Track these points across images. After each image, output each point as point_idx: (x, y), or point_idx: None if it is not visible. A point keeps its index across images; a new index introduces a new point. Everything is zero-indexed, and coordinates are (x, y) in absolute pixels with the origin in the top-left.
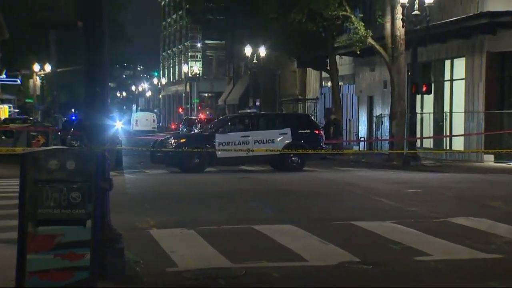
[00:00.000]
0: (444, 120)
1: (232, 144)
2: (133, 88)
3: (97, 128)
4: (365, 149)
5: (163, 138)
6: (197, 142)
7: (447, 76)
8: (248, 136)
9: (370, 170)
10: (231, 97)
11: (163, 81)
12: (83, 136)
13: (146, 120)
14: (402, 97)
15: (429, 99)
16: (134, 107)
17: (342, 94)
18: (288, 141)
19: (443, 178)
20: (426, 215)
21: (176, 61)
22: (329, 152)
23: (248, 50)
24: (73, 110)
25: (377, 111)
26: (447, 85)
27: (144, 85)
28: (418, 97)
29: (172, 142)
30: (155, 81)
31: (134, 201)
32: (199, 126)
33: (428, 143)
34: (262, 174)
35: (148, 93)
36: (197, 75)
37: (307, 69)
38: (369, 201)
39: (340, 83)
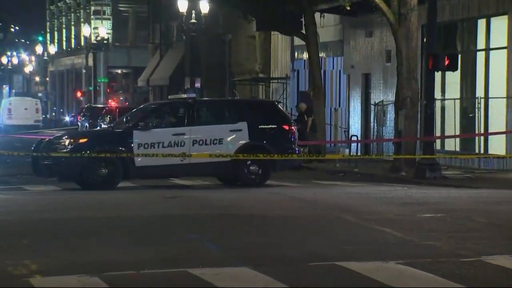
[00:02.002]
0: (477, 110)
1: (159, 147)
2: (4, 59)
3: None
4: (359, 154)
5: (52, 138)
6: (105, 143)
7: (481, 43)
8: (184, 134)
9: (366, 185)
10: (157, 75)
11: (52, 49)
12: None
13: (26, 109)
14: (414, 76)
15: (453, 79)
16: (6, 89)
17: (325, 71)
18: (243, 142)
19: (475, 196)
20: (450, 252)
21: (72, 20)
22: (306, 158)
23: (182, 4)
24: None
25: (376, 97)
26: (480, 57)
27: (21, 56)
28: (438, 75)
29: (67, 144)
30: (39, 49)
31: (6, 233)
32: (108, 119)
33: (453, 145)
34: (204, 191)
35: (29, 68)
36: (105, 42)
37: (272, 33)
38: (365, 231)
39: (322, 55)
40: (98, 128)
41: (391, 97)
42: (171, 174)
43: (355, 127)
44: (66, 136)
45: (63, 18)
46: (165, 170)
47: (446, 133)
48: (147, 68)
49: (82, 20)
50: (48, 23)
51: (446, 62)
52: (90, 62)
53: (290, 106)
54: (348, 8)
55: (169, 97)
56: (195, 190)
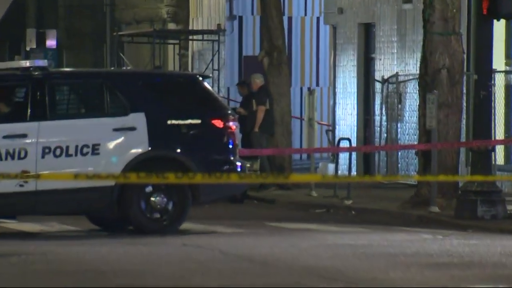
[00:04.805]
0: None
1: None
2: None
3: None
4: (355, 173)
5: None
6: None
7: None
8: (25, 135)
9: (367, 231)
10: None
11: None
12: None
13: None
14: (454, 29)
15: None
16: None
17: (290, 20)
18: (139, 151)
19: None
20: None
21: None
22: (255, 181)
23: None
24: None
25: (385, 68)
26: None
27: None
28: (499, 27)
29: None
30: None
31: None
32: None
33: None
34: (65, 244)
35: None
36: None
37: None
38: None
39: None
40: None
41: (413, 68)
42: (1, 211)
43: (347, 123)
44: None
45: None
46: None
47: None
48: None
49: None
50: None
51: None
52: None
53: (226, 83)
54: None
55: None
56: (48, 242)
